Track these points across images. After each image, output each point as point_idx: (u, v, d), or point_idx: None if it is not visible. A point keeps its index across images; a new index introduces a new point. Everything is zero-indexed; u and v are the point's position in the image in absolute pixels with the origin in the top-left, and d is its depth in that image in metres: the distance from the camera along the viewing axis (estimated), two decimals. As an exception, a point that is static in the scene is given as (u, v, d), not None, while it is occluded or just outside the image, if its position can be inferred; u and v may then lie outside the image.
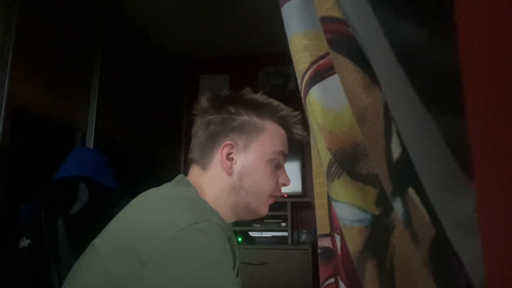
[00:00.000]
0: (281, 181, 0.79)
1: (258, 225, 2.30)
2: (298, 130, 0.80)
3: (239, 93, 0.80)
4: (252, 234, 2.31)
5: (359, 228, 0.42)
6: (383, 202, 0.41)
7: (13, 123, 1.22)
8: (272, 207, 0.81)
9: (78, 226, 1.00)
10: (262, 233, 2.33)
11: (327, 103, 0.48)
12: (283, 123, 0.79)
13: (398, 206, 0.33)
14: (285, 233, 2.29)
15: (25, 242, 0.98)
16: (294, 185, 2.38)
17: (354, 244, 0.42)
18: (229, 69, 2.80)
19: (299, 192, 2.42)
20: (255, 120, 0.76)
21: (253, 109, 0.76)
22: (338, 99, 0.46)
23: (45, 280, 0.95)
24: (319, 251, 0.60)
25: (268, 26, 2.15)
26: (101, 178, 1.18)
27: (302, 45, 0.53)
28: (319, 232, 0.60)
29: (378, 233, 0.41)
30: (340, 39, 0.40)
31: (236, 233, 2.21)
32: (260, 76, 2.76)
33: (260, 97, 0.79)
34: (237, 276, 0.69)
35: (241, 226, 2.24)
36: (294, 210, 2.38)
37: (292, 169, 2.40)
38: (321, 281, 0.58)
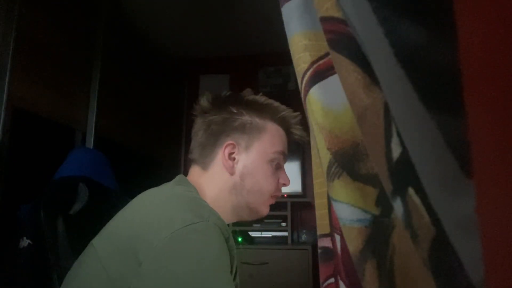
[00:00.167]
0: (281, 181, 0.79)
1: (258, 225, 2.30)
2: (297, 131, 0.81)
3: (240, 94, 0.80)
4: (252, 234, 2.31)
5: (359, 228, 0.42)
6: (383, 202, 0.41)
7: (13, 123, 1.22)
8: (272, 207, 0.81)
9: (78, 226, 1.00)
10: (262, 233, 2.33)
11: (327, 103, 0.48)
12: (283, 123, 0.80)
13: (398, 206, 0.33)
14: (285, 233, 2.29)
15: (25, 242, 0.98)
16: (294, 185, 2.38)
17: (354, 244, 0.42)
18: (229, 69, 2.80)
19: (299, 192, 2.42)
20: (257, 120, 0.77)
21: (254, 109, 0.77)
22: (338, 99, 0.46)
23: (45, 280, 0.95)
24: (319, 251, 0.60)
25: (268, 26, 2.15)
26: (101, 178, 1.18)
27: (302, 45, 0.53)
28: (319, 232, 0.60)
29: (378, 233, 0.41)
30: (340, 39, 0.40)
31: (236, 233, 2.21)
32: (260, 76, 2.76)
33: (260, 98, 0.79)
34: (235, 277, 0.69)
35: (241, 226, 2.24)
36: (294, 210, 2.38)
37: (292, 169, 2.40)
38: (321, 281, 0.58)
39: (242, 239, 2.21)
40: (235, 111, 0.76)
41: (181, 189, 0.69)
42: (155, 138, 2.37)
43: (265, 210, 0.78)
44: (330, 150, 0.46)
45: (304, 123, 0.73)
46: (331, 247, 0.55)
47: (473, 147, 0.20)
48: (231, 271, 0.61)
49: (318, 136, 0.48)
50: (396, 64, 0.28)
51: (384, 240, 0.40)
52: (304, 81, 0.52)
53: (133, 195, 0.69)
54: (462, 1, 0.21)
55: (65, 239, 0.97)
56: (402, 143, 0.33)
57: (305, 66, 0.52)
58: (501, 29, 0.18)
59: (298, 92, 0.55)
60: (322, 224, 0.59)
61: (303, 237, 2.36)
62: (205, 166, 0.76)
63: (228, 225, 0.76)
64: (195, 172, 0.77)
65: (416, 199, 0.31)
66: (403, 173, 0.33)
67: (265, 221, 2.28)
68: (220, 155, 0.75)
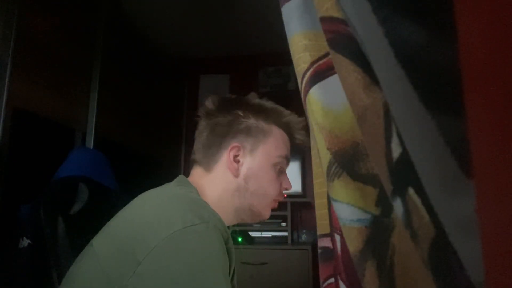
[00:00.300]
0: (284, 185, 0.80)
1: (258, 225, 2.30)
2: (301, 136, 0.82)
3: (246, 97, 0.81)
4: (252, 234, 2.31)
5: (359, 228, 0.42)
6: (383, 202, 0.41)
7: (13, 123, 1.22)
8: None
9: (78, 226, 1.00)
10: (262, 233, 2.33)
11: (327, 103, 0.48)
12: (287, 128, 0.81)
13: (398, 206, 0.33)
14: (285, 233, 2.29)
15: (25, 242, 0.98)
16: (294, 185, 2.38)
17: (354, 244, 0.42)
18: (229, 69, 2.80)
19: (299, 192, 2.42)
20: (262, 124, 0.77)
21: (260, 113, 0.78)
22: (338, 99, 0.46)
23: (45, 280, 0.95)
24: (319, 251, 0.60)
25: (268, 26, 2.15)
26: (101, 178, 1.18)
27: (302, 45, 0.53)
28: (319, 232, 0.60)
29: (378, 233, 0.41)
30: (340, 39, 0.40)
31: (236, 233, 2.21)
32: (260, 76, 2.76)
33: (266, 102, 0.80)
34: (232, 279, 0.69)
35: (241, 226, 2.24)
36: (294, 210, 2.38)
37: (292, 169, 2.39)
38: (321, 281, 0.58)
39: (242, 239, 2.21)
40: (241, 114, 0.77)
41: (181, 190, 0.69)
42: (155, 138, 2.37)
43: (267, 213, 0.79)
44: (330, 150, 0.46)
45: (307, 128, 0.73)
46: (331, 247, 0.55)
47: (473, 147, 0.20)
48: (229, 273, 0.61)
49: (318, 136, 0.48)
50: (396, 64, 0.28)
51: (384, 240, 0.40)
52: (304, 81, 0.52)
53: (133, 195, 0.69)
54: (462, 1, 0.21)
55: (65, 239, 0.97)
56: (402, 143, 0.33)
57: (305, 66, 0.52)
58: (501, 29, 0.18)
59: (298, 92, 0.55)
60: (322, 224, 0.59)
61: (303, 237, 2.36)
62: (208, 168, 0.76)
63: (228, 226, 0.76)
64: (197, 173, 0.77)
65: (416, 199, 0.31)
66: (403, 173, 0.33)
67: (265, 221, 2.28)
68: (225, 157, 0.75)
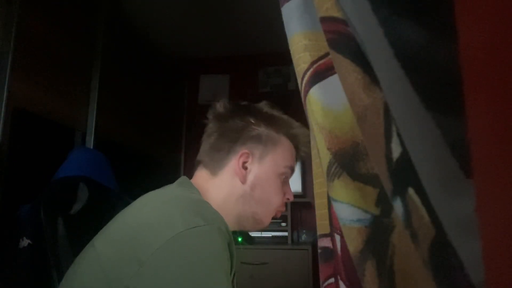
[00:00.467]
0: (287, 195, 0.81)
1: (258, 225, 2.29)
2: (306, 148, 0.83)
3: (258, 105, 0.81)
4: (252, 234, 2.31)
5: (359, 228, 0.42)
6: (383, 202, 0.41)
7: (13, 123, 1.22)
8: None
9: (78, 226, 1.00)
10: (262, 233, 2.33)
11: (327, 103, 0.48)
12: (294, 139, 0.81)
13: (398, 206, 0.33)
14: (285, 233, 2.29)
15: (25, 242, 0.98)
16: (294, 185, 2.38)
17: (354, 244, 0.42)
18: (229, 69, 2.80)
19: (299, 192, 2.42)
20: (273, 133, 0.78)
21: (271, 122, 0.78)
22: (338, 99, 0.46)
23: (45, 280, 0.95)
24: (319, 251, 0.60)
25: (268, 26, 2.15)
26: (101, 178, 1.18)
27: (302, 45, 0.53)
28: (319, 232, 0.60)
29: (378, 233, 0.41)
30: (340, 39, 0.40)
31: (236, 233, 2.21)
32: (260, 76, 2.76)
33: (277, 111, 0.81)
34: (233, 281, 0.69)
35: (241, 226, 2.24)
36: (294, 210, 2.38)
37: (292, 169, 2.39)
38: (321, 281, 0.58)
39: (242, 239, 2.21)
40: (253, 121, 0.77)
41: (184, 191, 0.69)
42: (155, 138, 2.37)
43: (267, 222, 0.79)
44: (330, 150, 0.46)
45: (304, 124, 0.74)
46: (331, 247, 0.55)
47: (473, 147, 0.20)
48: (230, 274, 0.61)
49: (318, 136, 0.48)
50: (396, 64, 0.28)
51: (384, 240, 0.40)
52: (304, 81, 0.52)
53: (133, 195, 0.69)
54: (462, 1, 0.21)
55: (65, 239, 0.97)
56: (402, 143, 0.33)
57: (305, 66, 0.52)
58: (501, 29, 0.18)
59: (298, 92, 0.55)
60: (322, 224, 0.59)
61: (303, 237, 2.36)
62: (214, 171, 0.76)
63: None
64: (201, 175, 0.77)
65: (416, 199, 0.31)
66: (403, 173, 0.33)
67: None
68: (233, 163, 0.75)
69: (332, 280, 0.55)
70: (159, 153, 2.42)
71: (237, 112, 0.79)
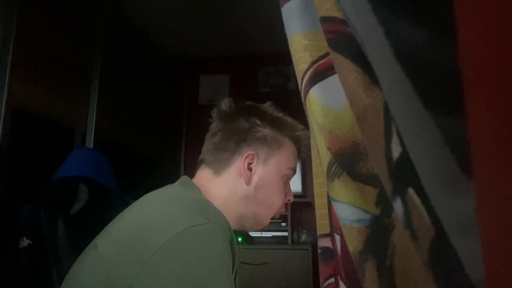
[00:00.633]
0: (287, 197, 0.82)
1: (258, 225, 2.29)
2: (307, 150, 0.83)
3: (263, 106, 0.81)
4: (252, 234, 2.31)
5: (359, 228, 0.42)
6: (383, 202, 0.41)
7: (13, 123, 1.22)
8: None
9: (78, 226, 1.00)
10: (262, 233, 2.33)
11: (327, 103, 0.48)
12: (297, 142, 0.82)
13: (398, 206, 0.33)
14: (285, 233, 2.29)
15: (25, 242, 0.98)
16: (294, 185, 2.38)
17: (354, 244, 0.42)
18: (229, 69, 2.80)
19: (299, 192, 2.42)
20: (278, 135, 0.78)
21: (276, 124, 0.79)
22: (338, 99, 0.46)
23: (45, 280, 0.95)
24: (319, 251, 0.60)
25: (268, 26, 2.15)
26: (101, 178, 1.18)
27: (302, 45, 0.53)
28: (319, 232, 0.60)
29: (378, 233, 0.41)
30: (340, 39, 0.40)
31: (236, 233, 2.20)
32: (260, 76, 2.76)
33: (282, 113, 0.81)
34: (235, 279, 0.69)
35: (241, 226, 2.24)
36: (294, 210, 2.38)
37: (292, 169, 2.39)
38: (321, 281, 0.58)
39: (242, 239, 2.21)
40: (259, 123, 0.77)
41: (185, 190, 0.69)
42: (155, 138, 2.37)
43: (267, 223, 0.80)
44: (330, 150, 0.46)
45: (304, 124, 0.74)
46: (331, 247, 0.55)
47: (473, 147, 0.20)
48: (232, 272, 0.61)
49: (318, 136, 0.48)
50: (396, 64, 0.28)
51: (384, 240, 0.40)
52: (304, 81, 0.52)
53: (133, 195, 0.69)
54: (462, 1, 0.21)
55: (65, 239, 0.97)
56: (402, 143, 0.33)
57: (305, 66, 0.52)
58: (501, 29, 0.18)
59: (298, 92, 0.55)
60: (322, 224, 0.59)
61: (303, 237, 2.36)
62: (218, 171, 0.76)
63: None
64: (204, 175, 0.77)
65: (416, 199, 0.31)
66: (403, 173, 0.33)
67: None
68: (238, 163, 0.75)
69: (332, 280, 0.55)
70: (159, 153, 2.42)
71: (242, 112, 0.79)
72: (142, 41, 2.31)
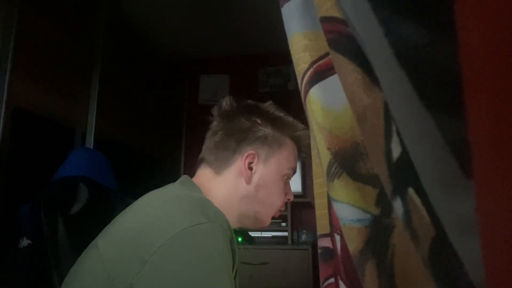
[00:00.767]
0: (287, 196, 0.82)
1: (258, 225, 2.29)
2: (308, 150, 0.83)
3: (264, 105, 0.81)
4: (252, 234, 2.31)
5: (359, 228, 0.42)
6: (383, 202, 0.41)
7: (13, 123, 1.22)
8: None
9: (78, 226, 1.00)
10: (262, 233, 2.33)
11: (327, 103, 0.48)
12: (298, 141, 0.82)
13: (398, 206, 0.33)
14: (285, 233, 2.29)
15: (25, 242, 0.98)
16: (294, 185, 2.38)
17: (354, 244, 0.42)
18: (229, 69, 2.80)
19: (299, 192, 2.42)
20: (278, 134, 0.78)
21: (277, 123, 0.79)
22: (338, 99, 0.46)
23: (45, 280, 0.95)
24: (319, 251, 0.60)
25: (268, 26, 2.15)
26: (101, 178, 1.18)
27: (302, 45, 0.53)
28: (319, 232, 0.60)
29: (378, 233, 0.41)
30: (340, 39, 0.40)
31: (236, 233, 2.20)
32: (260, 76, 2.76)
33: (282, 113, 0.81)
34: (235, 279, 0.69)
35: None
36: (294, 210, 2.38)
37: (292, 169, 2.39)
38: (321, 281, 0.58)
39: (242, 239, 2.21)
40: (260, 122, 0.77)
41: (186, 190, 0.69)
42: (155, 138, 2.37)
43: (268, 222, 0.80)
44: (330, 150, 0.46)
45: (304, 124, 0.74)
46: (331, 247, 0.55)
47: (473, 147, 0.20)
48: (232, 272, 0.61)
49: (318, 136, 0.48)
50: (396, 64, 0.28)
51: (384, 240, 0.40)
52: (304, 81, 0.52)
53: (133, 195, 0.69)
54: (462, 1, 0.21)
55: (65, 239, 0.97)
56: (402, 143, 0.33)
57: (305, 66, 0.52)
58: (501, 29, 0.18)
59: (298, 92, 0.55)
60: (322, 224, 0.59)
61: (303, 237, 2.36)
62: (218, 170, 0.76)
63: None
64: (204, 174, 0.77)
65: (416, 199, 0.31)
66: (403, 173, 0.33)
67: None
68: (239, 163, 0.75)
69: (332, 280, 0.55)
70: (159, 153, 2.42)
71: (243, 111, 0.79)
72: (142, 41, 2.31)
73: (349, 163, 0.44)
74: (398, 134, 0.33)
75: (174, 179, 0.75)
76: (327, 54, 0.50)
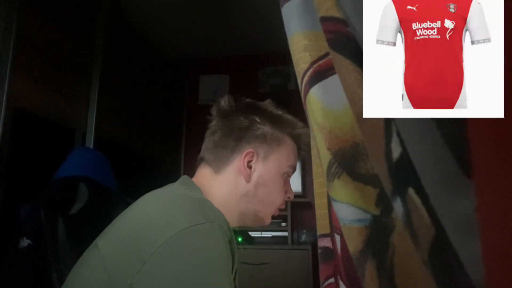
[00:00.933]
0: (287, 194, 0.82)
1: (258, 225, 2.29)
2: (307, 148, 0.83)
3: (263, 103, 0.81)
4: (252, 234, 2.31)
5: (359, 228, 0.42)
6: (383, 202, 0.41)
7: (13, 123, 1.22)
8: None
9: (78, 226, 1.00)
10: (262, 233, 2.33)
11: (327, 103, 0.48)
12: (297, 139, 0.82)
13: (398, 206, 0.33)
14: (285, 233, 2.29)
15: (25, 242, 0.98)
16: (294, 185, 2.38)
17: (354, 244, 0.42)
18: (229, 69, 2.80)
19: (299, 192, 2.42)
20: (277, 132, 0.78)
21: (276, 122, 0.79)
22: (338, 99, 0.46)
23: (45, 280, 0.95)
24: (319, 251, 0.60)
25: (268, 26, 2.15)
26: (101, 178, 1.18)
27: (302, 45, 0.53)
28: (319, 232, 0.60)
29: (378, 233, 0.41)
30: (340, 39, 0.40)
31: (236, 233, 2.20)
32: (260, 76, 2.76)
33: (281, 111, 0.81)
34: (234, 279, 0.69)
35: (241, 226, 2.24)
36: (294, 210, 2.38)
37: (292, 169, 2.39)
38: (321, 281, 0.58)
39: (242, 239, 2.21)
40: (258, 120, 0.77)
41: (185, 190, 0.69)
42: (155, 138, 2.37)
43: (269, 220, 0.80)
44: (330, 150, 0.46)
45: (305, 123, 0.74)
46: (331, 247, 0.55)
47: (473, 147, 0.20)
48: (232, 272, 0.61)
49: (318, 136, 0.48)
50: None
51: (384, 240, 0.40)
52: (304, 81, 0.52)
53: (133, 195, 0.69)
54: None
55: (65, 239, 0.97)
56: (402, 143, 0.33)
57: (305, 66, 0.52)
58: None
59: (298, 92, 0.55)
60: (322, 224, 0.59)
61: (303, 237, 2.36)
62: (218, 169, 0.76)
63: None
64: (204, 173, 0.77)
65: (416, 199, 0.31)
66: (403, 173, 0.33)
67: (265, 222, 2.28)
68: (238, 161, 0.75)
69: (332, 280, 0.55)
70: (159, 153, 2.42)
71: (242, 109, 0.79)
72: (142, 41, 2.31)
73: (349, 163, 0.44)
74: (398, 134, 0.33)
75: (174, 179, 0.75)
76: (327, 54, 0.50)
